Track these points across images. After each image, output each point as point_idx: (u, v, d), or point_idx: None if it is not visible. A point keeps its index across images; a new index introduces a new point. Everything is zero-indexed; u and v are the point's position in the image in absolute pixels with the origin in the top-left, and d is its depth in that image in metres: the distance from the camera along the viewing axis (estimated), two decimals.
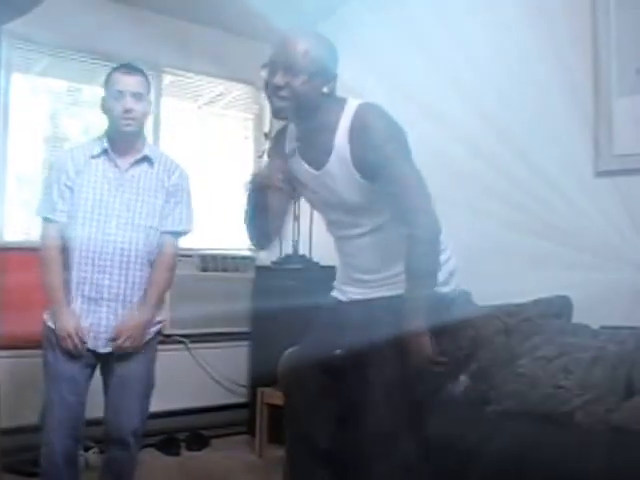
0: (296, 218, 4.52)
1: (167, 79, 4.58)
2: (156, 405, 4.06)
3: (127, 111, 2.60)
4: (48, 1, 3.05)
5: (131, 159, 2.68)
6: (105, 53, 4.16)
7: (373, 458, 2.03)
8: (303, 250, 4.49)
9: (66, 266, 2.62)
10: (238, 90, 4.89)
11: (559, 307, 3.18)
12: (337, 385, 2.16)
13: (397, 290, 2.09)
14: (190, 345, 4.40)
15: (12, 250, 3.65)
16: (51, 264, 2.62)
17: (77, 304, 2.60)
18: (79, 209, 2.61)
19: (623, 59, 3.27)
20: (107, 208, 2.61)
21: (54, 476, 2.63)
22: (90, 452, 3.55)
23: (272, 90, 2.07)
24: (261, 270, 4.58)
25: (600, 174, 3.32)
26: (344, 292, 2.31)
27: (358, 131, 2.06)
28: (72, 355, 2.58)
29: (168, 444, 4.06)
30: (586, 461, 2.31)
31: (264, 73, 2.09)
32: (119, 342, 2.61)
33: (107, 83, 2.66)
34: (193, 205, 2.81)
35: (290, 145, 2.23)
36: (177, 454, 4.04)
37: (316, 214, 4.39)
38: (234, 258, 4.67)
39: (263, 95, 5.05)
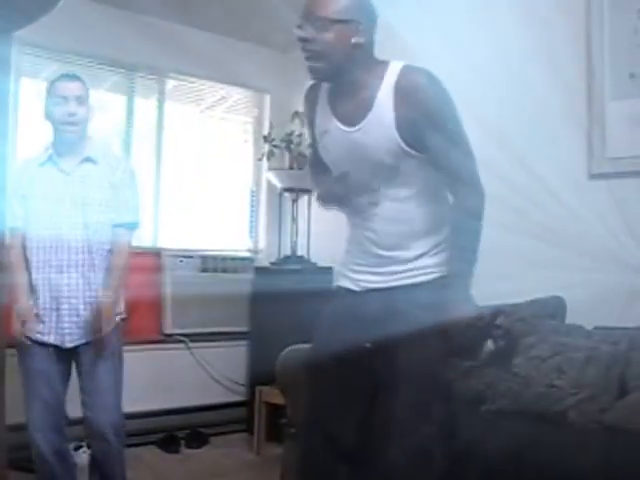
0: (294, 219, 4.57)
1: (170, 84, 4.62)
2: (156, 403, 4.16)
3: (71, 114, 2.71)
4: (56, 9, 3.10)
5: (75, 161, 2.76)
6: (110, 58, 4.25)
7: (400, 454, 1.97)
8: (301, 251, 4.54)
9: (28, 268, 2.72)
10: (238, 94, 4.94)
11: (553, 307, 3.17)
12: (360, 381, 2.08)
13: (416, 278, 2.05)
14: (190, 344, 4.43)
15: None
16: (13, 268, 2.73)
17: (40, 303, 2.69)
18: (34, 215, 2.72)
19: (617, 64, 3.29)
20: (59, 212, 2.70)
21: (46, 472, 2.69)
22: None
23: (302, 46, 1.98)
24: (260, 271, 4.61)
25: (594, 177, 3.35)
26: (355, 281, 2.15)
27: (407, 92, 1.95)
28: (22, 347, 2.67)
29: (168, 442, 4.10)
30: (580, 460, 2.30)
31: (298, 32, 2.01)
32: (95, 326, 2.67)
33: (49, 92, 2.76)
34: (140, 198, 2.91)
35: (322, 101, 2.13)
36: (177, 452, 4.07)
37: (314, 215, 4.48)
38: (233, 259, 4.71)
39: (262, 98, 5.13)
